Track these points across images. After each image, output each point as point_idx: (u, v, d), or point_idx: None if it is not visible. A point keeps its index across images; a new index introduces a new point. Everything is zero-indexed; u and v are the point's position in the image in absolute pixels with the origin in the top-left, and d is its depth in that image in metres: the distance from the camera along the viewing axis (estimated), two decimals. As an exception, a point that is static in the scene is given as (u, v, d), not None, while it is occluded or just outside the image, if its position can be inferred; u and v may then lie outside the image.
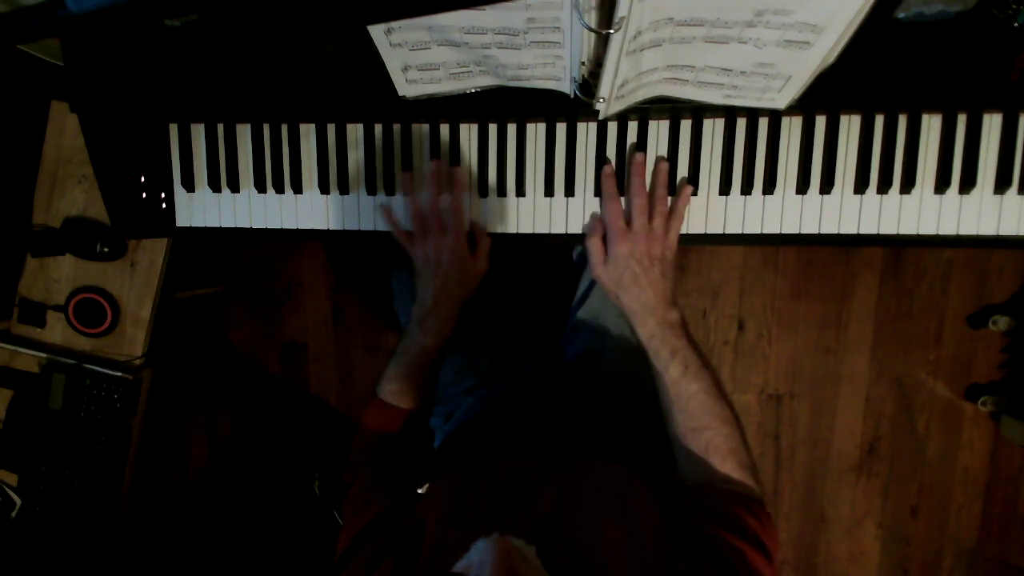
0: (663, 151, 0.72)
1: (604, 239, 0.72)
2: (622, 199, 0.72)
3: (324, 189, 0.78)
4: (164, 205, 0.82)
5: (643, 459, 0.69)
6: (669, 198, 0.72)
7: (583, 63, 0.60)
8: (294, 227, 0.80)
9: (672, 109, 0.70)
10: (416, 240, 0.75)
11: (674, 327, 0.66)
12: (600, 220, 0.73)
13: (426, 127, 0.75)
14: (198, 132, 0.80)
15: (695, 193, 0.72)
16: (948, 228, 0.70)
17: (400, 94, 0.69)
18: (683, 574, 0.50)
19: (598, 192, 0.73)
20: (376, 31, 0.61)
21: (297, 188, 0.79)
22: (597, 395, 0.86)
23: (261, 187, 0.80)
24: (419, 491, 0.63)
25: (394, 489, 0.68)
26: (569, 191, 0.74)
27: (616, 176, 0.73)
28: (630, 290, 0.68)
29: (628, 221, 0.70)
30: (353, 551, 0.59)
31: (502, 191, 0.76)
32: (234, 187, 0.80)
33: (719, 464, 0.62)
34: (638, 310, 0.68)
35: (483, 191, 0.76)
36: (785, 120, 0.70)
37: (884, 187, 0.69)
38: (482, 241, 0.76)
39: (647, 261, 0.68)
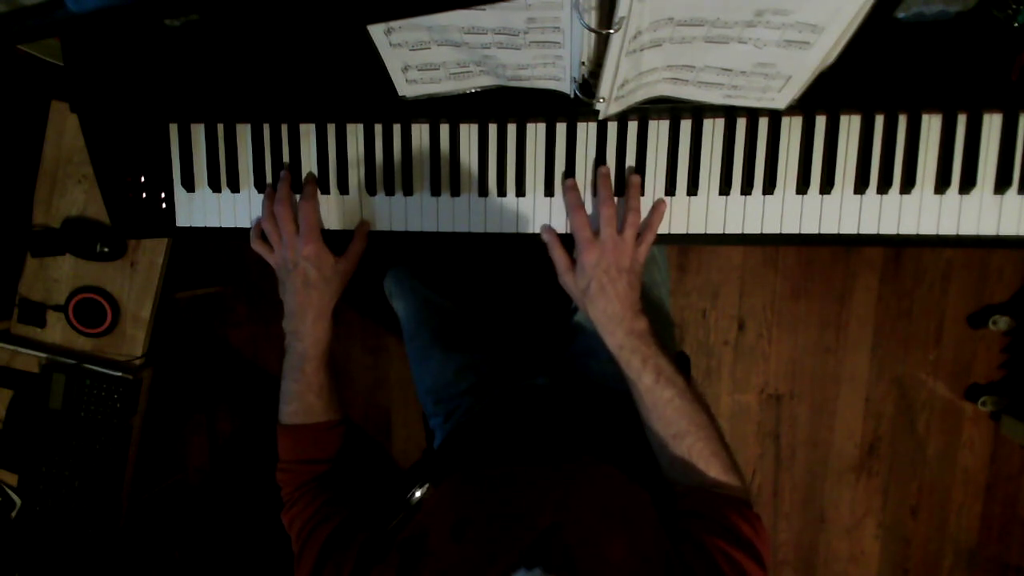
0: (663, 151, 0.72)
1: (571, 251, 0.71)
2: (589, 208, 0.72)
3: (323, 189, 0.78)
4: (164, 205, 0.82)
5: (640, 460, 0.69)
6: (643, 211, 0.71)
7: (583, 63, 0.60)
8: (294, 227, 0.80)
9: (672, 109, 0.70)
10: (273, 248, 0.75)
11: (643, 336, 0.66)
12: (554, 232, 0.73)
13: (426, 127, 0.75)
14: (198, 132, 0.80)
15: (695, 193, 0.72)
16: (948, 228, 0.70)
17: (400, 94, 0.69)
18: None
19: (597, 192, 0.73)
20: (376, 31, 0.61)
21: (297, 188, 0.79)
22: (596, 394, 0.86)
23: (261, 187, 0.80)
24: (417, 493, 0.63)
25: (345, 501, 0.68)
26: (569, 191, 0.74)
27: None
28: (596, 301, 0.67)
29: (596, 231, 0.69)
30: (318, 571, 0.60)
31: (502, 191, 0.76)
32: (234, 187, 0.80)
33: (704, 469, 0.63)
34: (605, 322, 0.67)
35: (483, 191, 0.76)
36: (785, 120, 0.70)
37: (884, 187, 0.69)
38: (354, 243, 0.76)
39: (615, 272, 0.67)
